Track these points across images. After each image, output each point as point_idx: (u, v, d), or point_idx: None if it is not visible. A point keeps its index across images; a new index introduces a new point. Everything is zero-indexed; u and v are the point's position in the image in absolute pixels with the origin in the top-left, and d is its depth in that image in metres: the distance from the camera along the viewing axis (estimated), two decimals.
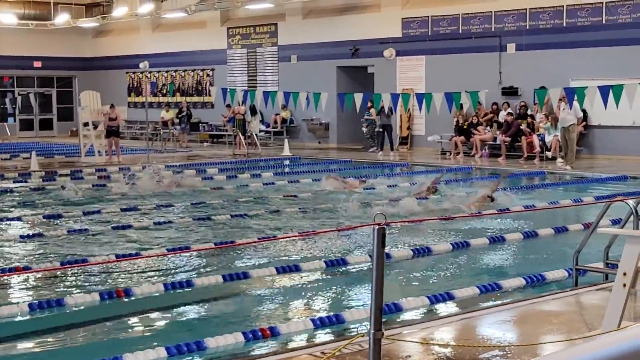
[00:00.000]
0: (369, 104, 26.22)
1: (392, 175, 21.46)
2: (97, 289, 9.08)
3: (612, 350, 1.31)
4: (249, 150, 27.69)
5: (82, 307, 8.39)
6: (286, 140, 28.36)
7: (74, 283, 9.58)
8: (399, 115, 28.26)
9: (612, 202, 8.77)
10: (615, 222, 10.96)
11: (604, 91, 16.76)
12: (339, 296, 8.99)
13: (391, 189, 17.95)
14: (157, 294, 8.86)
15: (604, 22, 23.86)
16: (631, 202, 8.27)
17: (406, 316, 7.86)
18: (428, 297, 8.30)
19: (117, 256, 10.61)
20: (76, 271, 10.08)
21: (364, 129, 28.55)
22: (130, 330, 7.82)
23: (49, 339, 7.52)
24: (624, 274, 5.17)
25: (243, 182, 20.06)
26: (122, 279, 9.77)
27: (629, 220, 8.25)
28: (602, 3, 23.84)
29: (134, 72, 39.34)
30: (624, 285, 5.17)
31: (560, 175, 20.67)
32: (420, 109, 22.40)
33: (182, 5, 33.01)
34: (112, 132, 25.24)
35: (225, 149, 29.67)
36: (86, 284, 9.51)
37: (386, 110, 26.15)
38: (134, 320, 8.10)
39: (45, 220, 14.25)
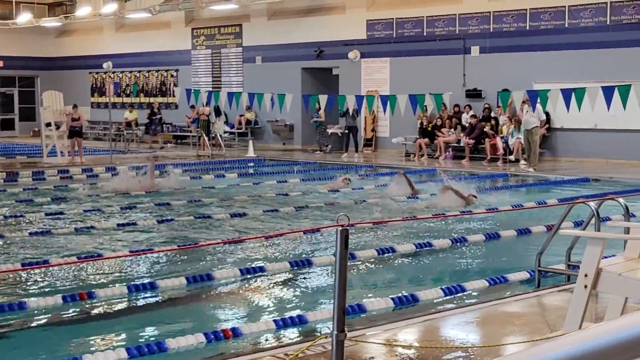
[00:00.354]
0: (317, 106, 26.22)
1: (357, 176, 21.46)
2: (59, 291, 8.98)
3: (572, 350, 1.31)
4: (213, 151, 27.59)
5: (44, 310, 8.29)
6: (251, 142, 28.30)
7: (36, 285, 9.46)
8: (363, 117, 28.32)
9: (574, 204, 8.83)
10: (577, 224, 11.06)
11: (567, 94, 16.91)
12: (303, 297, 8.97)
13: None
14: (121, 296, 8.79)
15: (566, 25, 24.08)
16: (593, 204, 8.33)
17: (370, 317, 7.86)
18: (392, 299, 8.31)
19: (79, 257, 10.52)
20: (38, 273, 9.96)
21: (331, 130, 28.62)
22: (91, 331, 7.73)
23: (10, 341, 7.42)
24: (585, 275, 5.20)
25: (207, 183, 19.98)
26: (85, 280, 9.68)
27: (590, 222, 8.32)
28: (564, 7, 24.05)
29: (97, 73, 39.05)
30: (585, 286, 5.20)
31: (523, 177, 20.82)
32: (384, 110, 22.47)
33: (146, 5, 32.82)
34: (75, 133, 25.00)
35: (189, 150, 29.53)
36: (49, 286, 9.41)
37: (351, 111, 26.18)
38: (95, 321, 8.02)
39: (5, 220, 14.08)
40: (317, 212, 15.13)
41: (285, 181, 20.05)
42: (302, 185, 19.10)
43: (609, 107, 16.79)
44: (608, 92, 16.38)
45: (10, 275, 9.86)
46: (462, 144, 24.95)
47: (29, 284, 9.55)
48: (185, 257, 11.00)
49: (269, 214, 14.86)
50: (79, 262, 10.26)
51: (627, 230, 7.56)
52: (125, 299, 8.75)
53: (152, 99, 35.88)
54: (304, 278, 9.91)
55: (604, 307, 6.52)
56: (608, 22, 23.28)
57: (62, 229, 13.08)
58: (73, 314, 8.24)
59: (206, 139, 28.26)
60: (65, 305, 8.39)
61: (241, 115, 31.55)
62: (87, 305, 8.47)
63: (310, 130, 30.50)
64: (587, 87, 17.12)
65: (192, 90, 25.13)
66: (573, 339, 1.36)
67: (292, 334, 7.36)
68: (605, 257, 5.76)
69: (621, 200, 8.78)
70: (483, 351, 6.01)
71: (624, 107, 16.37)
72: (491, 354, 5.85)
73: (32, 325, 7.95)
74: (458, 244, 11.80)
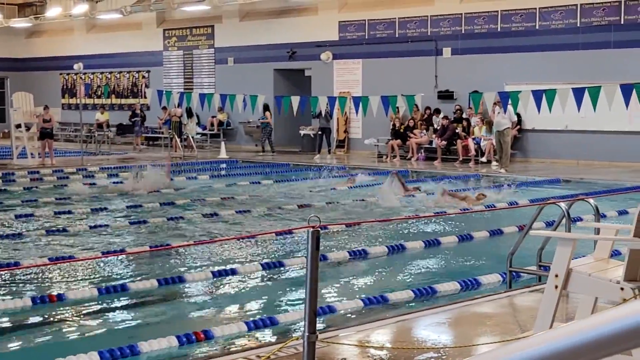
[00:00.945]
0: (265, 106, 26.34)
1: (330, 177, 21.45)
2: (29, 293, 8.89)
3: (541, 349, 1.31)
4: (185, 152, 27.48)
5: (13, 312, 8.20)
6: (223, 143, 28.20)
7: (5, 287, 9.37)
8: (335, 118, 28.33)
9: (545, 204, 8.87)
10: (548, 225, 11.11)
11: (537, 95, 17.00)
12: (275, 299, 8.95)
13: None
14: (91, 299, 8.72)
15: (537, 27, 24.23)
16: (563, 204, 8.37)
17: (342, 319, 7.85)
18: (363, 300, 8.31)
19: (50, 259, 10.43)
20: (8, 275, 9.86)
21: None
22: (62, 335, 7.67)
23: None
24: (556, 275, 5.23)
25: (179, 184, 19.89)
26: (55, 283, 9.60)
27: (561, 223, 8.36)
28: (535, 9, 24.20)
29: (68, 74, 38.78)
30: (556, 286, 5.22)
31: (495, 178, 20.90)
32: (357, 112, 22.48)
33: (117, 6, 32.65)
34: (46, 134, 24.79)
35: (161, 152, 29.38)
36: (18, 288, 9.31)
37: (323, 113, 26.19)
38: (66, 325, 7.95)
39: None
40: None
41: (259, 182, 20.01)
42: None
43: (579, 109, 16.90)
44: (578, 93, 16.48)
45: None
46: (434, 145, 25.03)
47: None
48: (157, 259, 10.95)
49: (241, 214, 14.81)
50: (49, 264, 10.17)
51: (597, 231, 7.61)
52: (96, 302, 8.68)
53: (123, 100, 35.71)
54: (277, 279, 9.89)
55: (575, 307, 6.55)
56: (578, 24, 23.45)
57: (33, 231, 12.96)
58: (43, 317, 8.16)
59: (178, 140, 28.15)
60: (34, 307, 8.31)
61: (213, 117, 31.45)
62: (57, 308, 8.40)
63: (282, 132, 30.51)
64: (557, 88, 17.22)
65: (164, 92, 25.02)
66: (541, 339, 1.36)
67: (264, 335, 7.34)
68: (576, 258, 5.79)
69: (591, 201, 8.82)
70: (455, 352, 6.02)
71: (594, 108, 16.48)
72: (463, 355, 5.86)
73: (0, 328, 7.87)
74: (431, 245, 11.81)
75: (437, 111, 25.65)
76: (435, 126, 25.59)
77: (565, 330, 1.36)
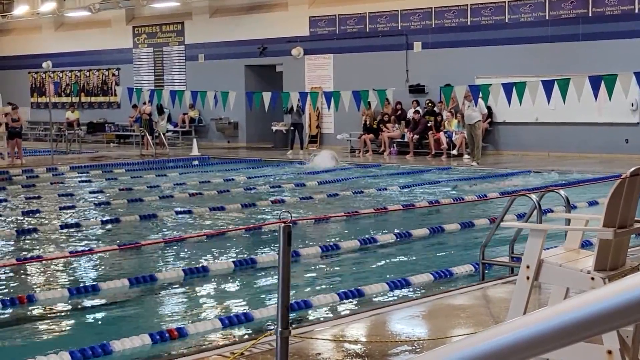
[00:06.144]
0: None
1: (300, 173, 21.43)
2: None
3: (505, 339, 1.30)
4: (157, 150, 27.33)
5: None
6: (195, 140, 28.10)
7: None
8: (307, 113, 28.31)
9: (516, 196, 8.90)
10: (520, 216, 11.16)
11: (508, 88, 17.06)
12: (248, 295, 8.92)
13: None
14: (61, 299, 8.64)
15: (506, 20, 24.35)
16: (534, 196, 8.41)
17: (316, 314, 7.84)
18: (338, 294, 8.30)
19: (18, 259, 10.33)
20: None
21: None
22: (32, 336, 7.59)
23: None
24: (527, 266, 5.24)
25: (151, 182, 19.76)
26: (24, 283, 9.51)
27: (532, 214, 8.39)
28: (504, 2, 24.32)
29: (36, 72, 38.44)
30: (527, 278, 5.23)
31: (467, 171, 20.97)
32: (328, 107, 22.47)
33: (85, 3, 32.42)
34: (15, 134, 24.54)
35: (132, 150, 29.21)
36: None
37: (295, 108, 26.14)
38: (37, 326, 7.87)
39: None
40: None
41: (233, 179, 19.92)
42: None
43: (549, 101, 17.00)
44: (548, 86, 16.56)
45: None
46: (406, 139, 25.09)
47: None
48: (128, 257, 10.87)
49: (213, 211, 14.75)
50: (17, 264, 10.07)
51: (568, 222, 7.65)
52: (67, 302, 8.60)
53: (93, 99, 35.54)
54: (250, 275, 9.86)
55: (547, 298, 6.58)
56: (547, 17, 23.59)
57: (1, 231, 12.83)
58: (12, 318, 8.07)
59: (149, 138, 28.00)
60: (4, 309, 8.22)
61: (184, 114, 31.33)
62: (27, 309, 8.31)
63: (254, 128, 30.45)
64: (527, 81, 17.29)
65: (134, 89, 24.86)
66: (508, 327, 1.35)
67: (238, 332, 7.31)
68: (547, 249, 5.81)
69: (562, 192, 8.88)
70: (429, 344, 6.03)
71: (564, 100, 16.57)
72: (437, 347, 5.86)
73: None
74: (402, 238, 11.82)
75: (417, 102, 25.66)
76: (409, 118, 25.62)
77: (521, 322, 1.36)
